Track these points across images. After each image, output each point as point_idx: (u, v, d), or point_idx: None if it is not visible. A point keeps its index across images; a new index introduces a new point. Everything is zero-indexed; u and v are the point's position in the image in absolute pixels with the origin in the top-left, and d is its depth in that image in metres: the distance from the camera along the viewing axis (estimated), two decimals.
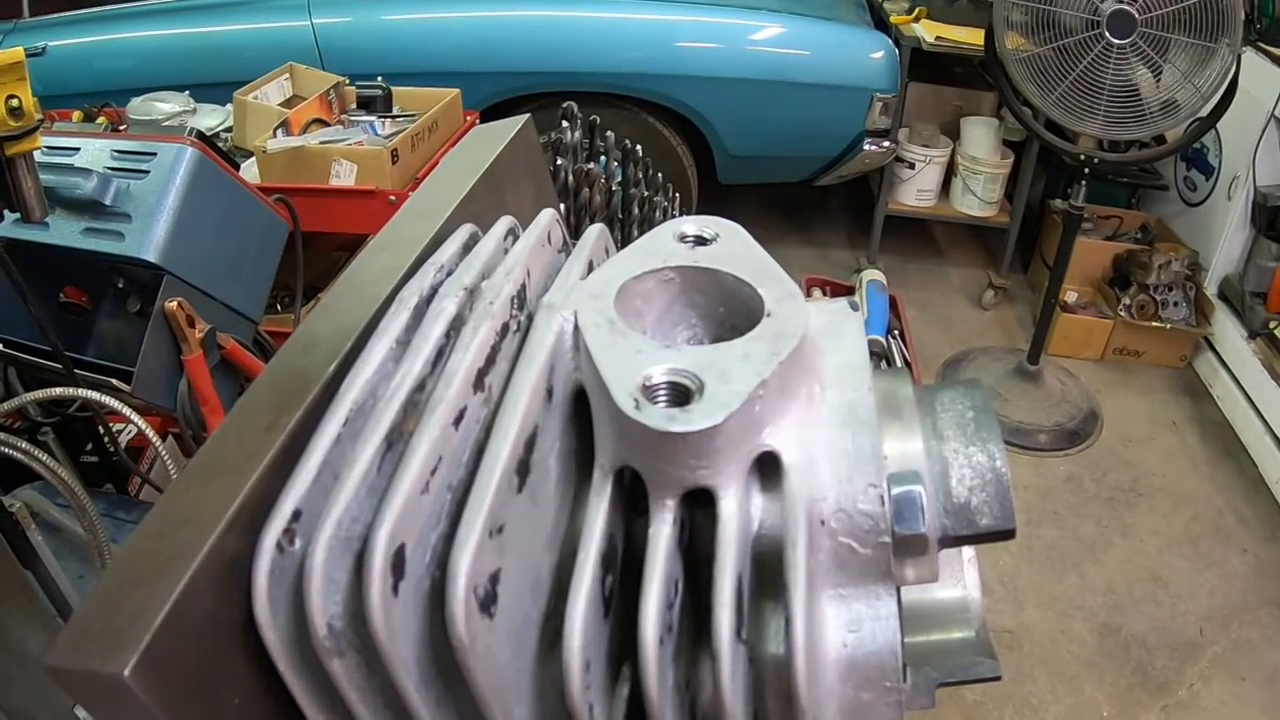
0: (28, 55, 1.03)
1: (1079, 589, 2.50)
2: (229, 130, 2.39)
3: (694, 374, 0.27)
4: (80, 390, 1.22)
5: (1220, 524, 2.72)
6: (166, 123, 2.29)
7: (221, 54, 3.09)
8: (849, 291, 3.08)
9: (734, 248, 0.32)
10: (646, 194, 2.21)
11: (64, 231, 1.27)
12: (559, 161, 1.88)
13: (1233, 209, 3.14)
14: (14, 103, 0.99)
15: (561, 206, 1.81)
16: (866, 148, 3.32)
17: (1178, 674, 2.28)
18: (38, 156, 1.08)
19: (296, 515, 0.25)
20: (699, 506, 0.27)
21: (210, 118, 2.41)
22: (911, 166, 3.61)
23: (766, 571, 0.28)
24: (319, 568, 0.24)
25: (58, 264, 1.29)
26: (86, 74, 3.07)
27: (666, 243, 0.32)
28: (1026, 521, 2.67)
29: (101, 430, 1.47)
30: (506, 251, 0.34)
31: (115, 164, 1.31)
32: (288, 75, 2.52)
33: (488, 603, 0.25)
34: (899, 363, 2.69)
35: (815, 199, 4.20)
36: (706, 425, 0.25)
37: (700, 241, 0.33)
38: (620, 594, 0.28)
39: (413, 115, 2.34)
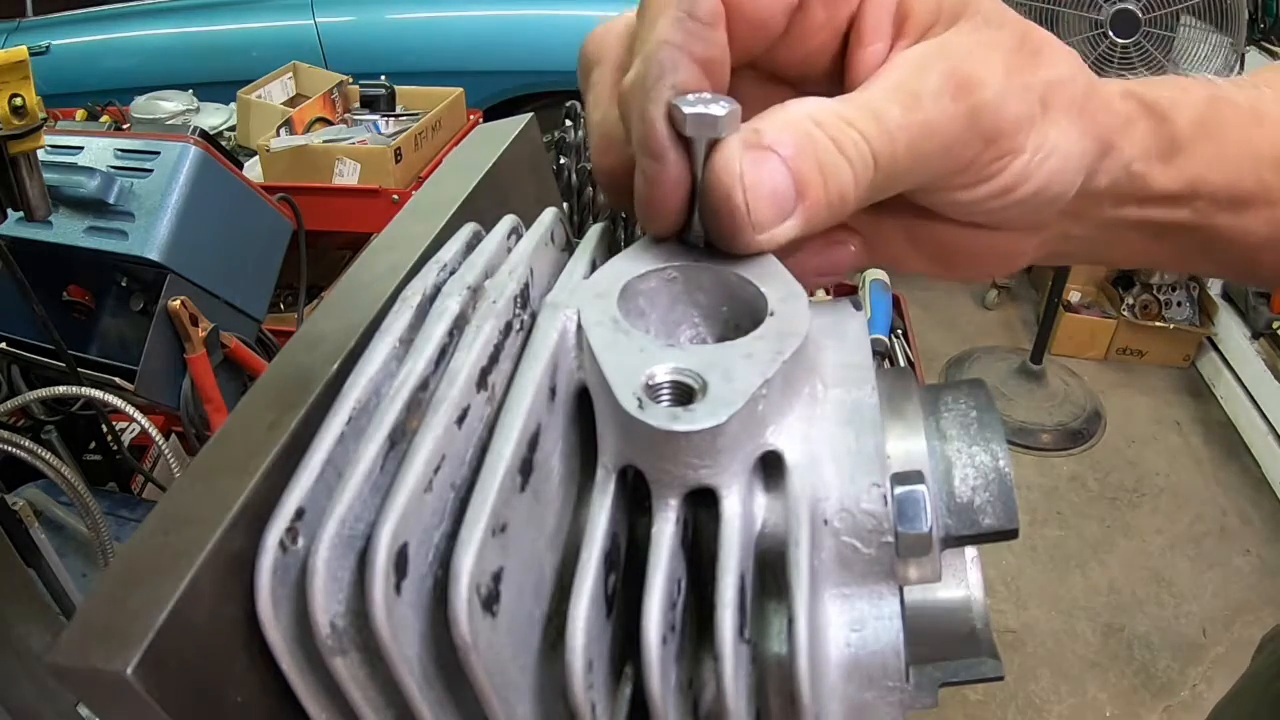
0: (31, 54, 1.03)
1: (1082, 589, 2.50)
2: (232, 129, 2.40)
3: (697, 373, 0.27)
4: (84, 389, 1.22)
5: (1224, 524, 2.72)
6: (170, 121, 2.29)
7: (225, 53, 3.09)
8: (852, 291, 3.07)
9: None
10: None
11: (67, 230, 1.27)
12: (562, 160, 1.88)
13: None
14: (17, 101, 0.99)
15: (565, 205, 1.81)
16: None
17: (1180, 674, 2.28)
18: (41, 155, 1.09)
19: (300, 514, 0.25)
20: (702, 506, 0.27)
21: (214, 116, 2.42)
22: None
23: (769, 571, 0.28)
24: (322, 566, 0.24)
25: (61, 263, 1.29)
26: (90, 73, 3.08)
27: (669, 241, 0.32)
28: (1030, 521, 2.66)
29: (105, 429, 1.47)
30: (510, 250, 0.34)
31: (119, 163, 1.31)
32: (291, 74, 2.53)
33: (490, 601, 0.25)
34: (902, 362, 2.69)
35: None
36: (710, 424, 0.25)
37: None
38: (623, 594, 0.28)
39: (416, 114, 2.34)
